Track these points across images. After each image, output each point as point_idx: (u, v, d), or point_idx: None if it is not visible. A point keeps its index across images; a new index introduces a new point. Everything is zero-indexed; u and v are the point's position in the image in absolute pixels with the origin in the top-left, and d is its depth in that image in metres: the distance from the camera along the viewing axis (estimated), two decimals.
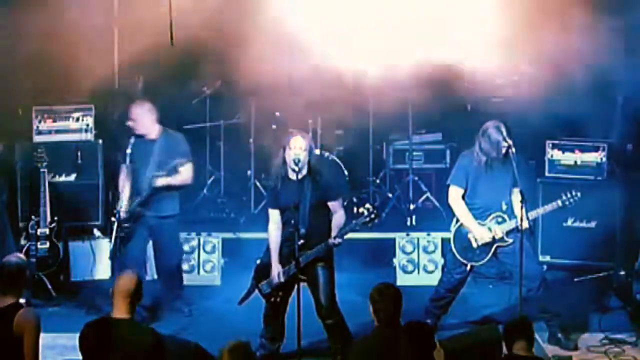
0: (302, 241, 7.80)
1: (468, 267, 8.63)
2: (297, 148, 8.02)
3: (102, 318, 6.34)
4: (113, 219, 9.02)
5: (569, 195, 8.55)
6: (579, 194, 8.54)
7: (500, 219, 8.50)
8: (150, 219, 9.08)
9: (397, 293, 6.40)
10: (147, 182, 9.00)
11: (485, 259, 8.58)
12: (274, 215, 8.24)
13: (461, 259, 8.59)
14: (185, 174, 9.09)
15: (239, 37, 10.60)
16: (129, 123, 9.17)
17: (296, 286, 7.61)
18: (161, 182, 9.00)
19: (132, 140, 9.04)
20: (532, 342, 6.33)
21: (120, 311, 6.20)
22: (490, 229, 8.49)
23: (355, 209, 10.67)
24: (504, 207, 8.50)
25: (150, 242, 9.36)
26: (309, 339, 8.19)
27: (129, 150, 9.02)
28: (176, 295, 9.36)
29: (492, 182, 8.50)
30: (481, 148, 8.47)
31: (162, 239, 9.23)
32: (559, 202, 8.58)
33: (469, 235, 8.54)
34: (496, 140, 8.38)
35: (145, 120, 9.12)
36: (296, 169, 7.93)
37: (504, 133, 8.37)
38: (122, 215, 8.96)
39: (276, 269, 8.15)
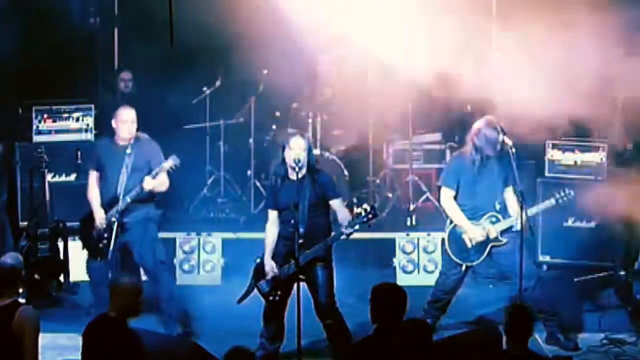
0: (301, 240, 7.79)
1: (463, 268, 8.61)
2: (298, 148, 8.02)
3: (100, 315, 6.42)
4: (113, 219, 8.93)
5: (562, 194, 8.52)
6: (572, 192, 8.53)
7: (494, 219, 8.48)
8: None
9: (401, 293, 6.39)
10: (121, 188, 8.62)
11: (480, 259, 8.57)
12: (273, 215, 8.25)
13: (456, 260, 8.58)
14: (165, 180, 8.74)
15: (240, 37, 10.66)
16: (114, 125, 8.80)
17: (296, 286, 7.60)
18: (151, 184, 8.63)
19: (100, 142, 8.83)
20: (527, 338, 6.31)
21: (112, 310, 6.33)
22: (484, 229, 8.48)
23: (355, 209, 10.67)
24: (498, 206, 8.48)
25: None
26: (309, 339, 8.19)
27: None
28: (167, 312, 8.85)
29: (486, 182, 8.47)
30: (476, 147, 8.44)
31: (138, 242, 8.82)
32: (552, 201, 8.55)
33: (463, 236, 8.53)
34: (493, 137, 8.36)
35: (130, 125, 8.76)
36: (296, 168, 7.93)
37: (498, 128, 8.36)
38: (100, 225, 8.64)
39: (269, 265, 8.16)
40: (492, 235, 8.47)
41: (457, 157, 8.70)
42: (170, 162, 8.64)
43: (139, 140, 8.79)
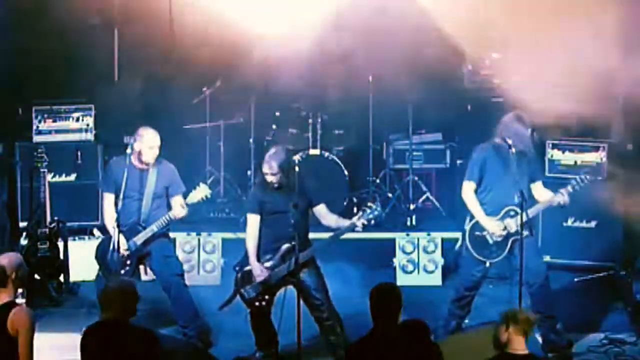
0: (293, 243, 7.78)
1: (487, 265, 8.47)
2: (269, 175, 8.05)
3: (99, 322, 6.35)
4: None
5: (579, 180, 8.41)
6: (588, 177, 8.45)
7: (512, 212, 8.32)
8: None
9: (398, 293, 6.39)
10: (145, 214, 8.57)
11: (503, 255, 8.39)
12: (254, 219, 8.22)
13: (478, 257, 8.44)
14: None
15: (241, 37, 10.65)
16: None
17: (296, 286, 7.59)
18: (182, 213, 8.56)
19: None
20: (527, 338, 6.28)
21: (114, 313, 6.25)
22: (503, 223, 8.36)
23: (355, 209, 10.67)
24: (516, 199, 8.32)
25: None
26: (309, 338, 8.19)
27: (129, 151, 8.66)
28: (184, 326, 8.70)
29: (510, 176, 8.31)
30: (505, 141, 8.28)
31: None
32: (569, 188, 8.38)
33: (484, 232, 8.42)
34: (521, 131, 8.24)
35: (156, 150, 8.56)
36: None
37: (528, 122, 8.28)
38: (123, 256, 8.44)
39: (258, 268, 8.14)
40: (512, 229, 8.31)
41: (482, 149, 8.49)
42: (204, 193, 8.50)
43: (159, 164, 8.60)
